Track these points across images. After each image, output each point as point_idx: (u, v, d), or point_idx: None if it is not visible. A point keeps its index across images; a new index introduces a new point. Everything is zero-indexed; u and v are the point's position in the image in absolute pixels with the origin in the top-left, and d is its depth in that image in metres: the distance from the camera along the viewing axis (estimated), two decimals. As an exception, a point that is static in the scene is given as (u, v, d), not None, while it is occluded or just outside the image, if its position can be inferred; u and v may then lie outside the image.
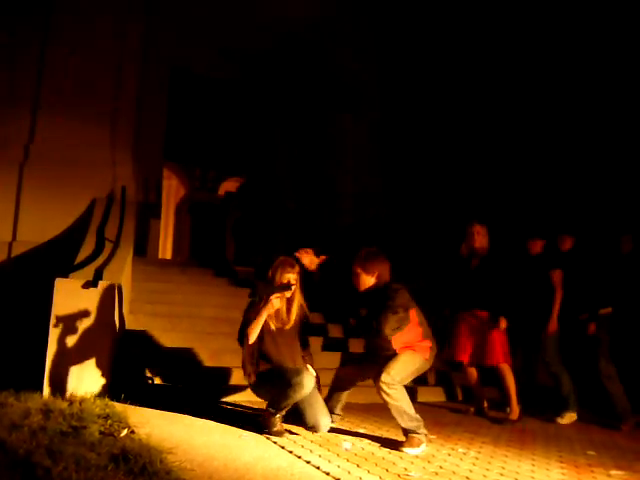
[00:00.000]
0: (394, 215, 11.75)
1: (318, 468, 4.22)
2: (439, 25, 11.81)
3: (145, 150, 11.39)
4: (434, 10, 11.82)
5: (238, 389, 6.57)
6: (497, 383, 7.04)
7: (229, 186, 18.02)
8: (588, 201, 9.23)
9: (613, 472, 4.73)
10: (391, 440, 5.23)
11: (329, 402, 5.65)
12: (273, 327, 5.36)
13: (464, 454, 4.94)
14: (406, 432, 5.04)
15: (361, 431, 5.53)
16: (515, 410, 6.62)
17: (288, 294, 5.35)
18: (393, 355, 5.19)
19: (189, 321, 7.99)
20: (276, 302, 5.25)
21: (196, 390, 6.44)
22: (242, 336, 5.34)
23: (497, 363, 6.66)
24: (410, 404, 5.12)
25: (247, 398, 6.40)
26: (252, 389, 5.44)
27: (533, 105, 10.38)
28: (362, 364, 5.66)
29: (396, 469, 4.33)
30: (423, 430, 5.04)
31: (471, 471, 4.42)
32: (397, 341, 5.23)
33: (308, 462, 4.36)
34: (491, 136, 10.90)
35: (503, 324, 6.61)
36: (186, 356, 7.08)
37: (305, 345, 5.66)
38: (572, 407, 6.89)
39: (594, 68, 9.69)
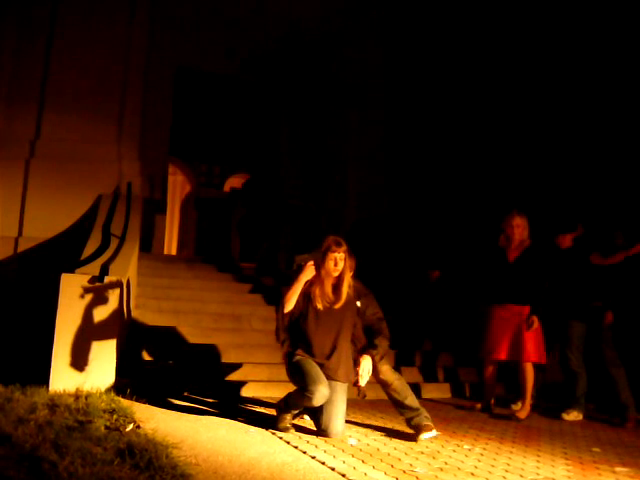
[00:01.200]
0: (397, 212, 11.75)
1: (323, 463, 4.23)
2: (444, 22, 11.80)
3: (151, 146, 11.41)
4: (439, 7, 11.80)
5: (244, 384, 6.59)
6: (504, 379, 7.04)
7: (234, 182, 18.04)
8: (594, 197, 9.21)
9: (618, 469, 4.72)
10: (397, 436, 5.25)
11: None
12: (320, 306, 5.13)
13: (469, 450, 4.94)
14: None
15: (367, 427, 5.53)
16: (526, 409, 6.59)
17: (346, 278, 5.17)
18: None
19: (194, 317, 8.00)
20: (312, 269, 5.13)
21: (202, 386, 6.44)
22: (278, 306, 5.23)
23: (529, 361, 6.59)
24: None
25: (253, 394, 6.44)
26: (286, 368, 5.25)
27: (536, 99, 10.35)
28: None
29: (401, 465, 4.33)
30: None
31: (476, 467, 4.42)
32: None
33: (313, 457, 4.37)
34: (495, 131, 10.88)
35: (535, 323, 6.51)
36: (193, 352, 7.10)
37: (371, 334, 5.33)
38: (580, 407, 6.86)
39: (598, 65, 9.67)
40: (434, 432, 5.15)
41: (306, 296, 5.19)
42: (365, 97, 13.00)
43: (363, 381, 5.15)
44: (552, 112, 10.14)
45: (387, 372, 5.33)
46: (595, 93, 9.61)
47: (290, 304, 5.13)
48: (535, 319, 6.52)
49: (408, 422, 5.26)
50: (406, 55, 12.51)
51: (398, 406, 5.32)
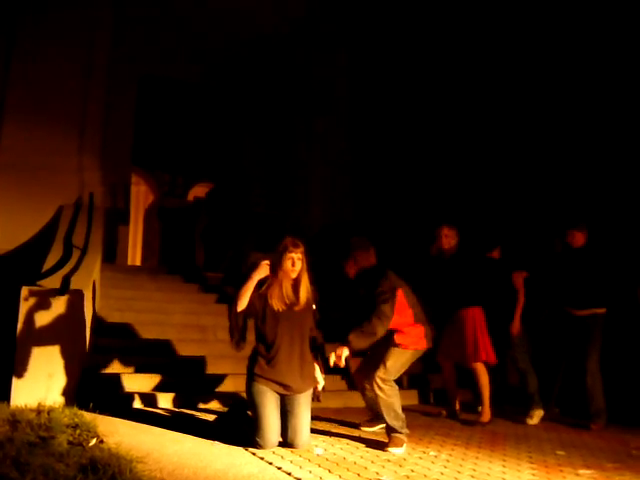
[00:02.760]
0: (363, 218, 11.77)
1: (290, 474, 4.21)
2: (409, 27, 11.84)
3: (113, 156, 11.31)
4: (404, 11, 11.85)
5: (209, 396, 6.54)
6: (471, 385, 7.09)
7: (198, 192, 17.90)
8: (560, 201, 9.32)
9: (581, 471, 4.77)
10: (364, 444, 5.25)
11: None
12: (277, 308, 5.06)
13: (435, 457, 4.96)
14: (389, 431, 5.25)
15: (333, 436, 5.52)
16: (487, 412, 6.66)
17: (304, 281, 5.15)
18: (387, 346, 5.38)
19: (158, 329, 7.92)
20: (266, 268, 5.07)
21: (166, 397, 6.38)
22: (231, 304, 5.13)
23: (472, 363, 6.70)
24: (399, 403, 5.33)
25: (219, 406, 6.40)
26: (246, 380, 5.14)
27: (506, 104, 10.40)
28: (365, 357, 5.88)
29: (368, 473, 4.33)
30: (405, 430, 5.25)
31: (442, 474, 4.44)
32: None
33: (279, 468, 4.35)
34: (460, 138, 10.95)
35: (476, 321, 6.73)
36: (155, 364, 7.02)
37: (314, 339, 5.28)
38: (538, 404, 6.95)
39: (575, 68, 9.75)
40: (404, 447, 5.16)
41: (263, 298, 5.12)
42: (329, 103, 13.02)
43: (320, 387, 5.19)
44: (523, 113, 10.19)
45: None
46: (568, 95, 9.68)
47: (242, 302, 5.03)
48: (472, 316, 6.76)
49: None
50: (370, 61, 12.55)
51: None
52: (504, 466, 4.80)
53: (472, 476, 4.44)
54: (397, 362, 5.42)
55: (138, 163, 14.52)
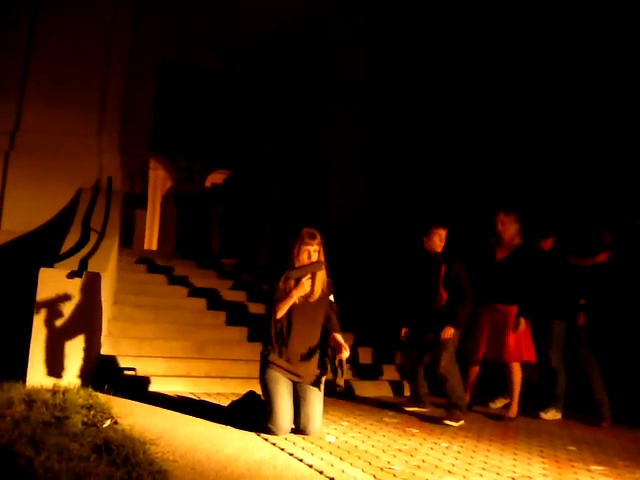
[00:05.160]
0: (377, 210, 11.76)
1: (301, 460, 4.23)
2: (430, 19, 11.80)
3: (132, 141, 11.34)
4: (425, 3, 11.80)
5: (223, 380, 6.58)
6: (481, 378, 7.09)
7: (216, 178, 17.98)
8: (570, 199, 9.26)
9: (593, 467, 4.77)
10: (375, 433, 5.27)
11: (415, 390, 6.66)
12: (296, 300, 5.07)
13: (447, 448, 4.97)
14: (450, 407, 6.10)
15: (345, 424, 5.54)
16: (515, 408, 6.64)
17: (320, 273, 5.11)
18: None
19: (173, 313, 7.96)
20: (307, 284, 5.03)
21: (181, 381, 6.43)
22: (269, 311, 5.13)
23: (513, 361, 6.66)
24: (461, 382, 6.28)
25: (233, 390, 6.42)
26: (259, 369, 5.16)
27: (518, 101, 10.38)
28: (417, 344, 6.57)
29: (379, 462, 4.35)
30: (465, 409, 6.16)
31: (453, 465, 4.45)
32: None
33: (291, 454, 4.37)
34: (479, 130, 10.90)
35: (522, 324, 6.59)
36: (171, 347, 7.07)
37: (331, 326, 5.24)
38: (559, 406, 6.93)
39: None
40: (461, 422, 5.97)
41: (284, 290, 5.11)
42: (348, 93, 12.99)
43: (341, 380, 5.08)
44: (534, 111, 10.17)
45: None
46: (568, 94, 9.66)
47: (281, 313, 5.04)
48: (522, 320, 6.58)
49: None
50: (389, 53, 12.51)
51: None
52: (515, 459, 4.80)
53: (483, 468, 4.44)
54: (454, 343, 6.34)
55: (157, 148, 14.56)
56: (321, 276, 5.16)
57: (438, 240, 6.52)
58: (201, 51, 12.87)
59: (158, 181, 18.52)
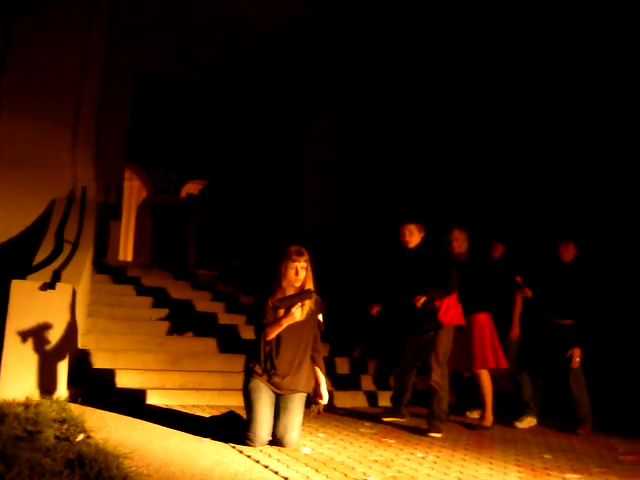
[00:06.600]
0: (355, 217, 11.78)
1: (277, 473, 4.21)
2: (404, 29, 11.85)
3: (107, 151, 11.27)
4: (399, 13, 11.85)
5: (198, 393, 6.53)
6: (457, 388, 7.11)
7: (192, 189, 17.88)
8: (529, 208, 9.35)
9: (569, 475, 4.79)
10: (352, 444, 5.25)
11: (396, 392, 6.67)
12: (280, 315, 5.07)
13: (423, 458, 4.97)
14: (432, 418, 6.05)
15: (321, 435, 5.52)
16: (489, 417, 6.65)
17: (309, 302, 5.09)
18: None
19: (148, 325, 7.90)
20: (297, 313, 4.97)
21: (156, 394, 6.37)
22: (258, 332, 5.11)
23: (479, 369, 6.68)
24: (448, 395, 6.33)
25: (208, 402, 6.38)
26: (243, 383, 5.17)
27: (491, 107, 10.42)
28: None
29: (355, 473, 4.33)
30: (446, 420, 6.23)
31: (429, 475, 4.45)
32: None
33: (266, 467, 4.34)
34: (451, 139, 10.96)
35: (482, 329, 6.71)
36: (145, 360, 7.01)
37: (316, 356, 5.29)
38: (532, 412, 6.97)
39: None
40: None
41: (274, 308, 5.12)
42: (325, 105, 13.02)
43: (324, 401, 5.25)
44: (506, 120, 10.22)
45: None
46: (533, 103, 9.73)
47: (271, 337, 5.03)
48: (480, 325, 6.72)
49: None
50: (364, 63, 12.55)
51: None
52: (491, 468, 4.81)
53: (459, 478, 4.45)
54: (447, 347, 6.32)
55: (132, 158, 14.48)
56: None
57: (409, 235, 6.50)
58: (177, 62, 12.84)
59: (133, 192, 18.41)
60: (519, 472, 4.78)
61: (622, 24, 8.82)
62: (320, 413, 5.34)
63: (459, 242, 6.83)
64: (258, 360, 5.06)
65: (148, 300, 8.68)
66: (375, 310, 6.63)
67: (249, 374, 5.09)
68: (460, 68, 10.92)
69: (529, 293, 7.10)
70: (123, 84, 12.06)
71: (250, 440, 4.85)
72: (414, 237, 6.47)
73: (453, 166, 10.76)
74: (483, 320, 6.76)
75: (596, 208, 8.77)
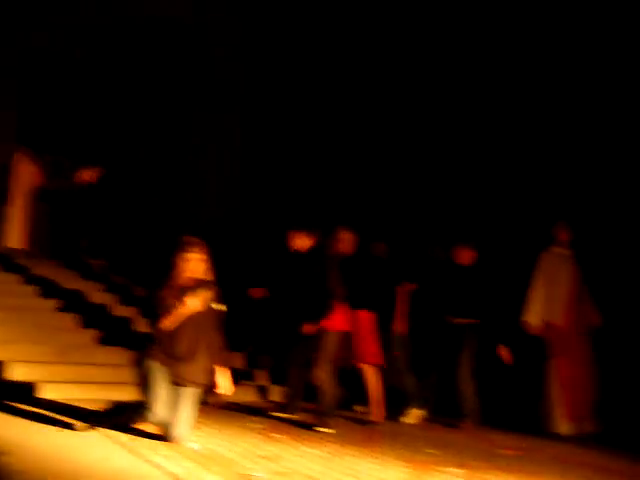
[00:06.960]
0: (253, 210, 11.73)
1: (163, 469, 4.12)
2: (313, 23, 11.84)
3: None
4: (308, 7, 11.83)
5: (85, 386, 6.35)
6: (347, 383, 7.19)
7: (86, 175, 17.35)
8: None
9: (450, 469, 4.91)
10: (242, 440, 5.23)
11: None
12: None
13: (311, 454, 4.99)
14: (320, 413, 6.12)
15: (210, 430, 5.46)
16: (376, 412, 6.73)
17: (205, 293, 5.00)
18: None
19: (35, 315, 7.63)
20: (192, 303, 4.90)
21: (45, 387, 6.14)
22: (154, 321, 5.01)
23: (361, 364, 6.77)
24: (334, 390, 6.28)
25: (98, 396, 6.18)
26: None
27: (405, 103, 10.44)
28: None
29: (241, 469, 4.30)
30: (333, 415, 6.23)
31: (316, 470, 4.46)
32: None
33: (153, 463, 4.25)
34: (353, 136, 11.03)
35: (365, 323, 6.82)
36: (32, 351, 6.76)
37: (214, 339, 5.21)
38: (418, 407, 7.12)
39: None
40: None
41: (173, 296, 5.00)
42: (227, 94, 12.89)
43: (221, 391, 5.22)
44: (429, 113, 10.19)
45: None
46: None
47: (165, 326, 4.93)
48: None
49: None
50: (272, 56, 12.50)
51: None
52: (379, 463, 4.88)
53: (346, 473, 4.48)
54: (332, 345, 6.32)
55: (23, 142, 13.95)
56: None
57: (299, 241, 6.53)
58: (71, 45, 12.45)
59: (24, 176, 17.70)
60: (405, 467, 4.86)
61: (621, 24, 8.72)
62: (216, 405, 5.35)
63: (344, 243, 6.92)
64: (156, 347, 4.97)
65: (35, 289, 8.39)
66: (256, 293, 6.77)
67: (148, 355, 4.98)
68: (363, 59, 10.94)
69: (411, 287, 7.27)
70: (11, 65, 11.65)
71: (148, 418, 4.79)
72: (304, 242, 6.50)
73: (351, 164, 10.83)
74: (364, 318, 6.86)
75: (491, 211, 9.01)
